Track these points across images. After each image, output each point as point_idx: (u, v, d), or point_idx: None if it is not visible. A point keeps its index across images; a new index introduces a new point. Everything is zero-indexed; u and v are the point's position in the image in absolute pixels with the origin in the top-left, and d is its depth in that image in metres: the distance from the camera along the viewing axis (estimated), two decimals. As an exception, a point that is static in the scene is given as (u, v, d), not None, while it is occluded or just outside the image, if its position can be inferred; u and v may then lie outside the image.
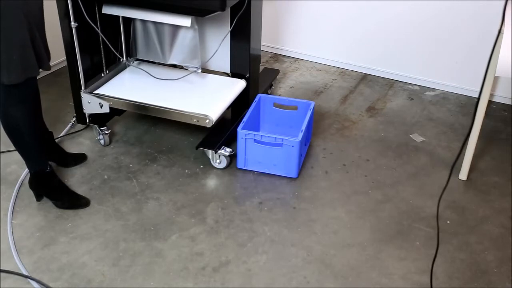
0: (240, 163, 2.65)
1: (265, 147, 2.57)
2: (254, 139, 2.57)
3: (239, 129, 2.58)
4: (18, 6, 2.00)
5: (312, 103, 2.80)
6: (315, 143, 2.89)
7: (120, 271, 2.10)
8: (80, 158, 2.68)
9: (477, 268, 2.16)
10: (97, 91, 2.70)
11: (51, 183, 2.38)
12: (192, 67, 2.71)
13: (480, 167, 2.74)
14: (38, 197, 2.41)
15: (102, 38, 2.69)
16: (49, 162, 2.43)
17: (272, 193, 2.53)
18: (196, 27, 2.61)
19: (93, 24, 2.52)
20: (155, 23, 2.67)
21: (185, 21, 2.47)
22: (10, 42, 2.01)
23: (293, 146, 2.52)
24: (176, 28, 2.64)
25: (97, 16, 2.63)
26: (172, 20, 2.49)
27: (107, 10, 2.58)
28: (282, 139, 2.53)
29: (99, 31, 2.59)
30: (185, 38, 2.65)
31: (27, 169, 2.55)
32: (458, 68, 3.36)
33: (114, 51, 2.71)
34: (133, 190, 2.52)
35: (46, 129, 2.54)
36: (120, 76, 2.87)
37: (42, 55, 2.15)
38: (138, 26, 2.74)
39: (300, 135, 2.55)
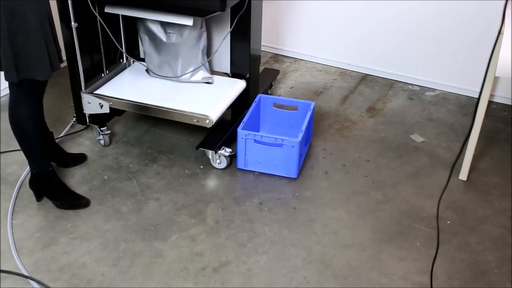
0: (240, 163, 2.65)
1: (265, 147, 2.57)
2: (254, 139, 2.57)
3: (239, 129, 2.58)
4: (42, 4, 2.05)
5: (312, 104, 2.80)
6: (315, 143, 2.89)
7: (120, 272, 2.10)
8: (80, 158, 2.68)
9: (477, 268, 2.16)
10: (97, 91, 2.70)
11: (51, 183, 2.38)
12: (206, 80, 2.77)
13: (480, 167, 2.74)
14: (38, 197, 2.41)
15: (104, 37, 2.69)
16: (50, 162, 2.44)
17: (272, 193, 2.53)
18: (204, 42, 2.66)
19: (101, 20, 2.54)
20: (162, 39, 2.67)
21: (187, 20, 2.47)
22: (41, 38, 2.06)
23: (293, 147, 2.52)
24: (184, 46, 2.65)
25: (98, 15, 2.64)
26: (174, 20, 2.48)
27: (110, 9, 2.58)
28: (282, 139, 2.53)
29: (106, 27, 2.58)
30: (195, 56, 2.69)
31: (27, 169, 2.56)
32: (458, 68, 3.36)
33: (119, 47, 2.72)
34: (133, 190, 2.52)
35: (47, 129, 2.54)
36: (120, 76, 2.87)
37: (59, 50, 2.20)
38: (148, 43, 2.73)
39: (300, 135, 2.55)
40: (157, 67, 2.78)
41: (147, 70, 2.86)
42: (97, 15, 2.53)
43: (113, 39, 2.65)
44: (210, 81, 2.78)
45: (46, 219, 2.34)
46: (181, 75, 2.74)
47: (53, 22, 2.16)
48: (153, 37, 2.69)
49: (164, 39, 2.66)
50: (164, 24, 2.63)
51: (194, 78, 2.76)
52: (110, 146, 2.82)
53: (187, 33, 2.63)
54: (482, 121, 2.46)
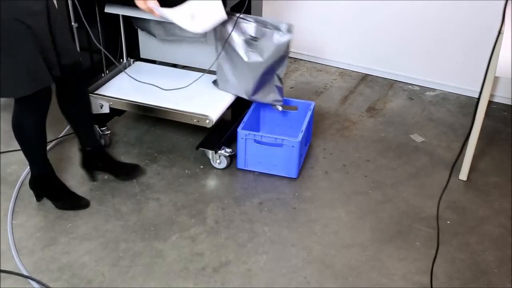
0: (240, 164, 2.65)
1: (265, 148, 2.57)
2: (254, 140, 2.57)
3: (239, 129, 2.58)
4: (19, 19, 1.94)
5: (312, 104, 2.80)
6: (315, 143, 2.89)
7: (120, 272, 2.10)
8: (133, 171, 2.60)
9: (477, 268, 2.16)
10: (97, 92, 2.69)
11: (51, 184, 2.38)
12: (275, 103, 2.67)
13: (480, 167, 2.74)
14: (38, 198, 2.41)
15: (105, 37, 2.69)
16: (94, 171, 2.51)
17: (272, 193, 2.53)
18: (284, 67, 2.56)
19: (89, 29, 2.48)
20: (242, 57, 2.55)
21: None
22: (14, 57, 1.98)
23: (293, 147, 2.52)
24: (263, 67, 2.54)
25: (98, 16, 2.64)
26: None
27: (109, 9, 2.58)
28: (282, 139, 2.53)
29: (90, 32, 2.57)
30: (271, 78, 2.58)
31: (27, 169, 2.56)
32: (458, 68, 3.36)
33: (106, 53, 2.67)
34: (133, 190, 2.52)
35: (96, 140, 2.55)
36: (120, 76, 2.87)
37: (53, 64, 2.11)
38: (224, 57, 2.62)
39: (300, 135, 2.55)
40: (227, 81, 2.68)
41: (214, 82, 2.77)
42: (84, 20, 2.46)
43: (98, 44, 2.60)
44: (279, 105, 2.66)
45: (46, 219, 2.34)
46: (253, 94, 2.64)
47: (49, 35, 2.07)
48: (231, 52, 2.58)
49: (245, 58, 2.54)
50: (247, 42, 2.53)
51: (264, 99, 2.66)
52: (110, 146, 2.82)
53: (268, 55, 2.50)
54: (482, 121, 2.46)
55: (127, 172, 2.58)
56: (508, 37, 2.17)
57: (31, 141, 2.27)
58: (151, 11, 2.26)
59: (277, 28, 2.48)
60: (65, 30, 2.19)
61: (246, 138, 2.57)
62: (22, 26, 1.96)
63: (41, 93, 2.11)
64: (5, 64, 1.99)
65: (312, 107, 2.78)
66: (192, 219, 2.37)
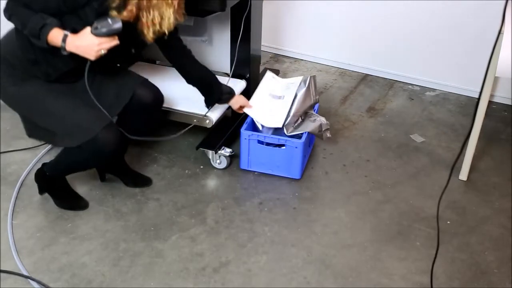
0: (244, 164, 2.65)
1: (269, 148, 2.56)
2: (258, 140, 2.56)
3: (242, 130, 2.57)
4: (47, 84, 2.08)
5: (316, 105, 2.80)
6: (315, 143, 2.89)
7: (120, 272, 2.10)
8: (141, 183, 2.57)
9: (477, 269, 2.16)
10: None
11: (56, 182, 2.38)
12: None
13: (480, 168, 2.74)
14: (41, 191, 2.40)
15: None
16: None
17: (272, 193, 2.53)
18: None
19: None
20: None
21: (187, 21, 2.46)
22: (52, 114, 2.09)
23: (296, 148, 2.51)
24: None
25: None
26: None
27: None
28: (286, 140, 2.52)
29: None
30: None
31: (27, 169, 2.56)
32: (458, 68, 3.36)
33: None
34: (133, 190, 2.52)
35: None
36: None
37: (102, 114, 2.10)
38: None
39: (304, 136, 2.54)
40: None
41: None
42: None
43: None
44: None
45: (46, 219, 2.34)
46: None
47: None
48: None
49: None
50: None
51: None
52: (110, 146, 2.81)
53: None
54: (482, 121, 2.46)
55: (136, 182, 2.55)
56: (508, 37, 2.17)
57: (73, 166, 2.31)
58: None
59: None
60: (105, 84, 2.22)
61: (249, 139, 2.57)
62: (54, 89, 2.10)
63: (91, 145, 2.09)
64: (51, 119, 2.10)
65: (316, 107, 2.78)
66: (192, 219, 2.37)
